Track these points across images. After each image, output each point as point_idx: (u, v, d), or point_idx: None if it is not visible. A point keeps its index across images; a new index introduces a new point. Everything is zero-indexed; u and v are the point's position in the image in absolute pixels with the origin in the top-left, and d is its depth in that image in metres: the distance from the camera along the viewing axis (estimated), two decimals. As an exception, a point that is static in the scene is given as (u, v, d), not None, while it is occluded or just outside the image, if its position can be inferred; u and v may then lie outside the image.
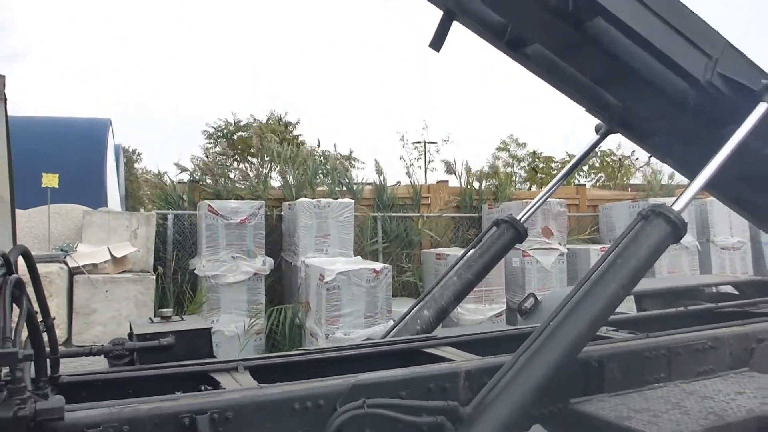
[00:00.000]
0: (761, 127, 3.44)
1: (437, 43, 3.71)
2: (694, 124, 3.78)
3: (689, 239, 10.26)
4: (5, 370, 2.12)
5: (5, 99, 3.83)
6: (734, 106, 3.47)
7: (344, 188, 10.48)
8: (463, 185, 11.51)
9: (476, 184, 11.41)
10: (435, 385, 2.96)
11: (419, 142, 22.61)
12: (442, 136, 24.92)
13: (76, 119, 20.73)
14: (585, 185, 13.69)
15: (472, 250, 4.82)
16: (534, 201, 5.10)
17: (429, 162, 19.04)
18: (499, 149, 28.89)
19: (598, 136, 5.00)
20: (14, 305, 2.17)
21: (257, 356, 4.05)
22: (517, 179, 24.37)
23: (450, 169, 13.37)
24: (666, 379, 3.42)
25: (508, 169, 26.78)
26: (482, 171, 13.37)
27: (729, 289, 6.49)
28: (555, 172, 23.65)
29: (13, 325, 2.08)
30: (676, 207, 3.18)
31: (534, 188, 14.63)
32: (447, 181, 11.90)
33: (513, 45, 3.92)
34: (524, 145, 28.26)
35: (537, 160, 26.00)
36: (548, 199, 9.60)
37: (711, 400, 2.84)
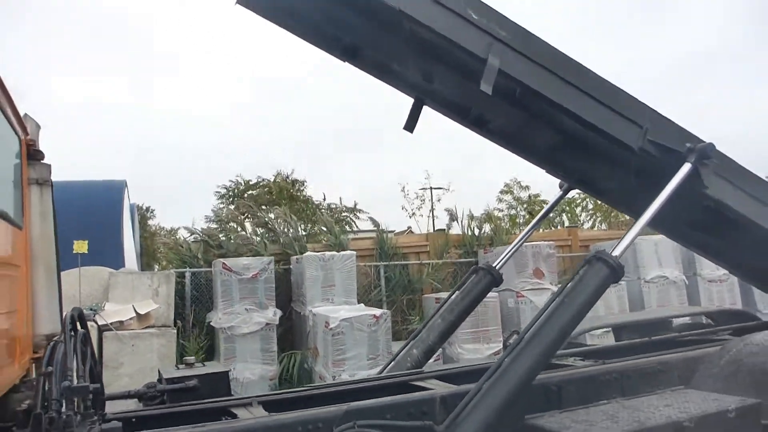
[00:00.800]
0: (689, 182, 4.12)
1: (410, 125, 4.44)
2: (637, 182, 4.45)
3: (676, 274, 10.83)
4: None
5: (51, 184, 4.57)
6: (666, 166, 4.16)
7: (348, 239, 11.18)
8: (464, 232, 12.22)
9: (477, 230, 12.11)
10: (415, 409, 3.61)
11: (425, 188, 23.29)
12: (444, 184, 25.64)
13: (94, 182, 21.39)
14: (576, 227, 14.28)
15: (454, 295, 5.50)
16: (507, 250, 5.79)
17: (431, 210, 19.72)
18: (503, 192, 29.60)
19: (561, 192, 5.74)
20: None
21: (268, 393, 4.72)
22: (521, 221, 24.98)
23: (453, 216, 14.09)
24: (618, 398, 3.99)
25: (512, 212, 27.48)
26: (481, 217, 14.07)
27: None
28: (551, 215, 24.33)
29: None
30: (615, 253, 3.87)
31: (541, 229, 15.21)
32: (444, 230, 12.59)
33: (476, 123, 4.67)
34: (527, 187, 28.96)
35: (534, 203, 26.64)
36: (539, 243, 10.30)
37: (641, 412, 3.45)
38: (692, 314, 7.31)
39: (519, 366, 3.44)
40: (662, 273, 10.70)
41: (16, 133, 3.96)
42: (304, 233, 11.75)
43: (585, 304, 3.71)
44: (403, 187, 20.22)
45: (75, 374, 2.76)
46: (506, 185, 29.28)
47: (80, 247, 7.37)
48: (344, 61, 4.12)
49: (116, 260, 14.62)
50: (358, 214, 16.56)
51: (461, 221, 12.63)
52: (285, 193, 16.19)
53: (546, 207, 6.15)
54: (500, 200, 28.48)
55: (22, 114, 4.19)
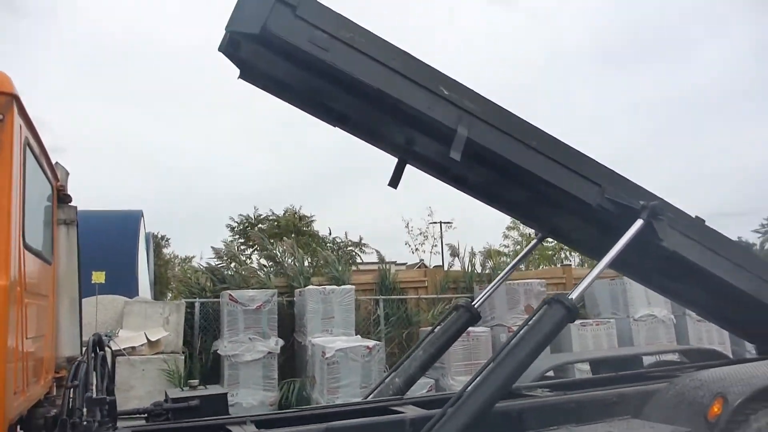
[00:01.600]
0: (645, 234, 4.64)
1: (394, 182, 5.03)
2: (600, 233, 5.00)
3: (665, 313, 11.22)
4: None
5: (77, 224, 5.19)
6: (623, 220, 4.69)
7: (350, 272, 11.73)
8: (464, 268, 12.75)
9: (479, 267, 12.65)
10: (387, 429, 4.13)
11: (435, 222, 23.80)
12: (449, 220, 26.15)
13: (111, 213, 21.93)
14: (570, 265, 14.72)
15: (436, 329, 6.01)
16: (485, 291, 6.35)
17: (433, 246, 20.21)
18: (509, 228, 30.11)
19: (536, 240, 6.31)
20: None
21: (261, 413, 5.24)
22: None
23: (454, 252, 14.62)
24: (569, 425, 4.45)
25: (518, 248, 27.89)
26: (482, 253, 14.60)
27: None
28: (549, 252, 24.67)
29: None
30: (572, 296, 4.41)
31: (532, 267, 15.66)
32: (442, 266, 13.11)
33: (455, 180, 5.27)
34: (532, 223, 29.33)
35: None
36: (531, 281, 10.78)
37: (583, 437, 3.92)
38: (663, 352, 7.74)
39: (479, 395, 3.97)
40: (651, 312, 11.09)
41: (49, 180, 4.57)
42: (310, 266, 12.29)
43: (542, 341, 4.24)
44: (407, 224, 20.80)
45: (95, 389, 3.32)
46: (513, 221, 29.77)
47: (98, 277, 7.99)
48: (335, 126, 4.74)
49: (130, 289, 15.21)
50: (363, 248, 17.21)
51: (462, 258, 13.18)
52: (292, 226, 16.82)
53: (521, 254, 6.73)
54: (506, 236, 28.96)
55: (54, 162, 4.84)
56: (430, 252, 21.39)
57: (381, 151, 4.99)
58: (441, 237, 24.26)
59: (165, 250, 36.76)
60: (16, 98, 3.25)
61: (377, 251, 12.38)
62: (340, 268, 11.49)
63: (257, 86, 4.47)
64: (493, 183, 5.06)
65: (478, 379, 4.06)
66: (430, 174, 5.19)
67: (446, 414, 3.85)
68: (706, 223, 5.33)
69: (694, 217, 5.32)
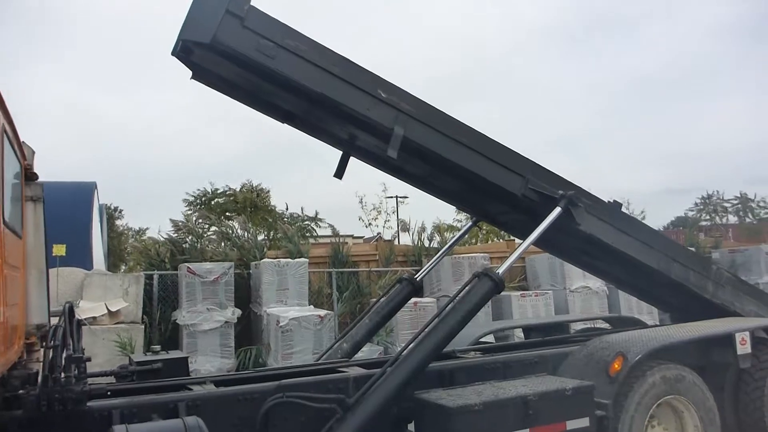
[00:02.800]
0: (564, 219, 5.23)
1: (339, 173, 5.51)
2: (525, 218, 5.59)
3: (599, 285, 12.07)
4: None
5: (43, 201, 5.50)
6: (545, 207, 5.28)
7: (309, 246, 12.21)
8: (414, 243, 13.37)
9: (427, 242, 13.28)
10: (333, 386, 4.67)
11: (390, 197, 24.21)
12: (402, 195, 26.61)
13: (64, 184, 21.61)
14: (514, 240, 15.46)
15: (380, 300, 6.55)
16: (426, 266, 6.94)
17: (386, 222, 20.64)
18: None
19: (470, 223, 6.91)
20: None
21: (219, 374, 5.72)
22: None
23: (405, 227, 15.20)
24: (493, 381, 5.05)
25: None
26: (433, 228, 15.19)
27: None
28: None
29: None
30: (499, 270, 4.99)
31: (479, 243, 16.39)
32: (392, 240, 13.70)
33: (394, 171, 5.77)
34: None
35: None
36: (475, 255, 11.44)
37: (501, 390, 4.53)
38: (586, 319, 8.50)
39: (414, 357, 4.54)
40: (586, 284, 11.93)
41: (18, 159, 4.88)
42: (267, 240, 12.69)
43: (471, 310, 4.83)
44: (361, 199, 21.21)
45: (72, 349, 3.75)
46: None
47: (59, 250, 8.23)
48: (282, 123, 5.16)
49: (85, 261, 15.24)
50: (318, 222, 17.65)
51: (412, 232, 13.78)
52: (249, 202, 17.12)
53: (456, 235, 7.34)
54: (459, 211, 29.60)
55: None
56: (383, 227, 21.90)
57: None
58: (397, 212, 24.81)
59: (118, 222, 36.43)
60: (-4, 91, 3.59)
61: (332, 226, 12.90)
62: (296, 242, 11.94)
63: (209, 86, 4.85)
64: (429, 174, 5.57)
65: (414, 342, 4.63)
66: (371, 165, 5.66)
67: (386, 372, 4.41)
68: (624, 208, 6.02)
69: (612, 201, 5.98)
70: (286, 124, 5.19)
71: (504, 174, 5.24)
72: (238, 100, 5.04)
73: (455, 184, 5.56)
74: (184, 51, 4.41)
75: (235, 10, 4.14)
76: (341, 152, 5.46)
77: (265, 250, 11.67)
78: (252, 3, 4.23)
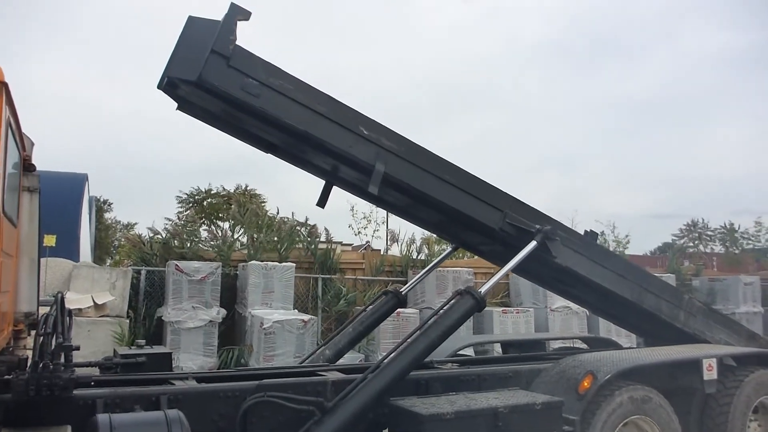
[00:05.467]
0: (540, 252, 5.44)
1: (322, 202, 5.67)
2: (504, 249, 5.78)
3: (576, 305, 12.26)
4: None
5: (39, 191, 5.62)
6: (522, 240, 5.50)
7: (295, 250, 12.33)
8: (402, 253, 13.55)
9: (415, 254, 13.46)
10: (311, 389, 4.80)
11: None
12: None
13: (55, 174, 21.53)
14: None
15: (366, 311, 6.71)
16: (411, 281, 7.17)
17: (375, 231, 20.73)
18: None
19: (450, 249, 7.11)
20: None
21: (201, 371, 5.85)
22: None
23: (394, 237, 15.33)
24: (466, 392, 5.20)
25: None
26: (422, 240, 15.33)
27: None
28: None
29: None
30: (482, 290, 5.17)
31: (465, 257, 16.60)
32: (380, 250, 13.86)
33: (376, 200, 5.95)
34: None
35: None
36: (460, 269, 11.61)
37: (474, 401, 4.69)
38: (564, 338, 8.70)
39: (394, 366, 4.70)
40: (566, 304, 12.10)
41: (18, 150, 5.02)
42: (259, 243, 12.75)
43: (452, 326, 5.01)
44: (353, 207, 21.31)
45: (63, 337, 3.88)
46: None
47: (49, 240, 8.33)
48: (267, 153, 5.32)
49: (72, 253, 15.24)
50: (308, 227, 17.65)
51: (400, 243, 13.96)
52: (243, 205, 17.15)
53: (436, 260, 7.57)
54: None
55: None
56: (372, 236, 22.01)
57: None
58: (386, 222, 24.93)
59: (107, 215, 36.27)
60: (5, 85, 3.73)
61: (326, 230, 13.03)
62: (285, 246, 12.09)
63: (194, 117, 5.01)
64: (409, 206, 5.76)
65: (395, 352, 4.79)
66: (353, 194, 5.84)
67: (367, 378, 4.57)
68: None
69: (589, 231, 6.22)
70: (269, 154, 5.34)
71: (483, 209, 5.43)
72: (222, 131, 5.18)
73: (435, 216, 5.74)
74: (169, 85, 4.54)
75: (221, 49, 4.26)
76: (324, 181, 5.62)
77: (257, 252, 11.77)
78: (237, 42, 4.33)
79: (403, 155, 5.02)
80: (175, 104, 4.87)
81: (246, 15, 4.37)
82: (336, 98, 4.75)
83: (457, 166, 5.33)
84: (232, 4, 4.36)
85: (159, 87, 4.59)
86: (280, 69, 4.53)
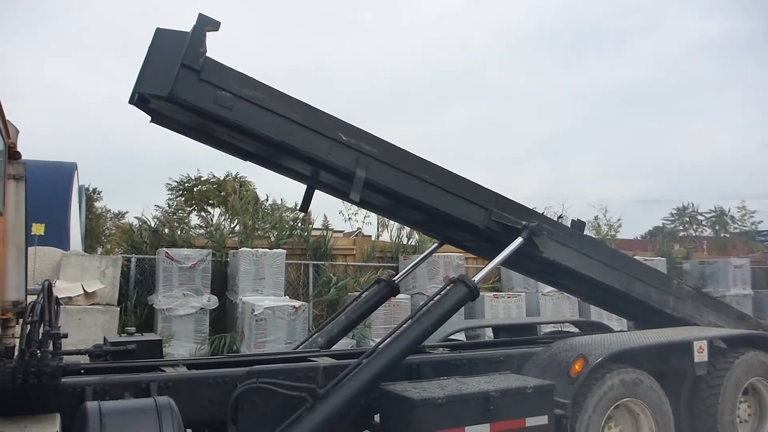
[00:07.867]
0: (527, 247, 5.44)
1: (305, 207, 5.64)
2: (491, 246, 5.76)
3: (569, 290, 12.31)
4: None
5: (26, 180, 5.55)
6: (508, 237, 5.48)
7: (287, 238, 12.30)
8: (392, 240, 13.53)
9: (405, 239, 13.44)
10: (302, 374, 4.79)
11: None
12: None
13: (44, 163, 21.39)
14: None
15: (358, 299, 6.70)
16: (405, 270, 7.19)
17: (365, 217, 20.71)
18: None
19: (435, 244, 7.11)
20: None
21: (191, 358, 5.83)
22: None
23: (384, 223, 15.31)
24: (457, 376, 5.21)
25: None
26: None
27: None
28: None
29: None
30: (475, 279, 5.16)
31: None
32: (370, 236, 13.84)
33: (360, 202, 5.87)
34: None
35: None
36: (451, 254, 11.62)
37: (465, 385, 4.69)
38: (554, 322, 8.73)
39: (389, 352, 4.71)
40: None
41: (3, 138, 4.94)
42: (249, 230, 12.71)
43: (446, 313, 5.02)
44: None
45: (50, 325, 3.84)
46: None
47: (38, 229, 8.28)
48: (245, 161, 5.25)
49: (62, 241, 15.17)
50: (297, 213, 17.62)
51: (391, 230, 13.95)
52: (234, 192, 17.06)
53: (423, 254, 7.59)
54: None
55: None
56: (363, 222, 22.01)
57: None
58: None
59: (97, 204, 36.04)
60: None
61: (325, 216, 13.08)
62: (277, 234, 12.05)
63: (169, 130, 4.92)
64: (392, 207, 5.75)
65: (390, 338, 4.79)
66: (336, 197, 5.81)
67: (361, 363, 4.57)
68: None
69: (576, 221, 6.22)
70: (248, 162, 5.28)
71: (467, 207, 5.42)
72: (198, 141, 5.09)
73: (419, 216, 5.73)
74: (141, 100, 4.45)
75: (191, 63, 4.17)
76: (306, 186, 5.58)
77: (249, 239, 11.72)
78: (207, 54, 4.23)
79: (384, 159, 4.97)
80: (149, 118, 4.77)
81: (215, 25, 4.26)
82: (312, 105, 4.68)
83: (439, 166, 5.30)
84: (200, 15, 4.24)
85: (130, 102, 4.47)
86: (253, 79, 4.44)
